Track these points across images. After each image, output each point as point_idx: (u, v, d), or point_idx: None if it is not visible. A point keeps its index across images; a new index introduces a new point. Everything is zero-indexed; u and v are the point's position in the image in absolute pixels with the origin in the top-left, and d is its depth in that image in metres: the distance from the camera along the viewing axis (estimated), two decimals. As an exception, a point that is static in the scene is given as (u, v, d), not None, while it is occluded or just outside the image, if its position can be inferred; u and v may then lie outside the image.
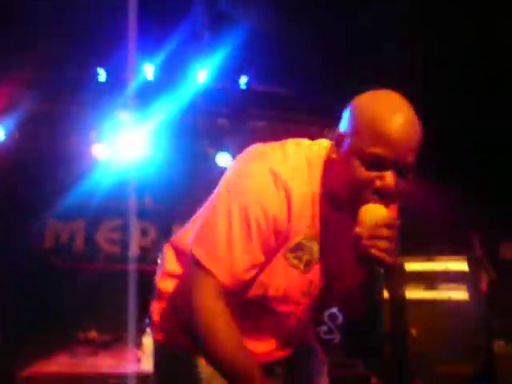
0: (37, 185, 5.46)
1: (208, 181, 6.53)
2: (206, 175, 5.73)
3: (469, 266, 4.05)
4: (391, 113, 1.13)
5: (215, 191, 1.34)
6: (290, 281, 1.32)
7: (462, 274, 4.09)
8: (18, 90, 5.06)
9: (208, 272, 1.19)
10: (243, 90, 5.57)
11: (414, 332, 5.21)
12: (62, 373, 3.68)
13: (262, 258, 1.22)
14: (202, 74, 5.61)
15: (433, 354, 5.15)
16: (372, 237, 1.12)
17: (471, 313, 4.49)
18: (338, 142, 1.25)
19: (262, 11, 4.64)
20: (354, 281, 1.42)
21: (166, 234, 6.09)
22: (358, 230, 1.14)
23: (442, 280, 4.07)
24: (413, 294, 4.02)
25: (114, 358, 4.21)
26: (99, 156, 5.59)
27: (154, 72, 5.54)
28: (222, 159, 6.04)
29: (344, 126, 1.26)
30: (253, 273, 1.23)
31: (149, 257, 5.78)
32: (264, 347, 1.41)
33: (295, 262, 1.29)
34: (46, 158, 5.46)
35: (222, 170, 5.60)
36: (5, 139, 5.18)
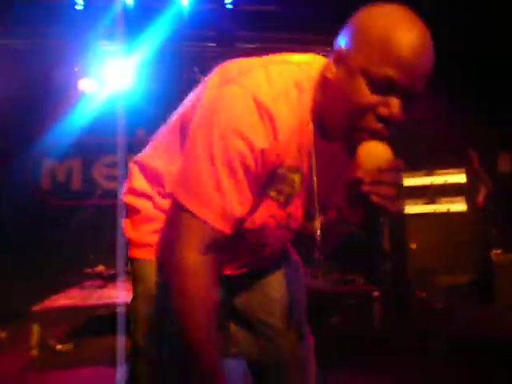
0: (26, 124, 5.34)
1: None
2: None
3: (467, 178, 4.04)
4: (407, 31, 0.97)
5: (192, 125, 1.17)
6: (267, 214, 1.21)
7: (461, 187, 4.10)
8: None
9: (199, 220, 1.06)
10: (230, 11, 5.27)
11: (413, 246, 5.34)
12: (73, 305, 3.79)
13: (251, 196, 1.10)
14: (185, -2, 5.29)
15: (433, 266, 5.31)
16: (375, 183, 1.01)
17: (469, 224, 4.57)
18: (338, 59, 1.07)
19: None
20: (339, 215, 1.26)
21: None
22: (358, 174, 1.02)
23: (440, 193, 4.08)
24: (412, 208, 4.05)
25: (121, 289, 4.33)
26: (86, 90, 5.43)
27: (134, -1, 5.20)
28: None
29: (346, 41, 1.06)
30: (244, 213, 1.11)
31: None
32: (234, 266, 1.36)
33: (274, 194, 1.18)
34: (32, 95, 5.29)
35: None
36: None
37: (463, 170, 4.11)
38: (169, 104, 5.74)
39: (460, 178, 4.12)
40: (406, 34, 0.97)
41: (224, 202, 1.06)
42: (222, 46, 5.61)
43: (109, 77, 5.43)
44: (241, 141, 1.04)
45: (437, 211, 4.13)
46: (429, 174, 4.14)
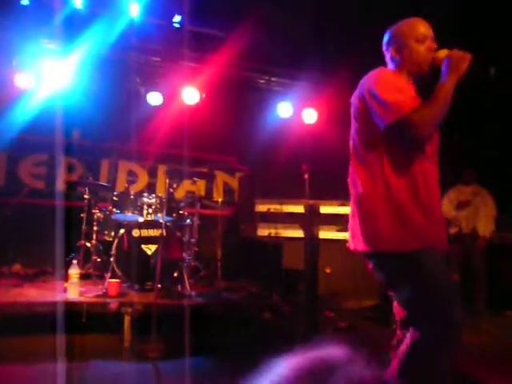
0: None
1: (138, 119, 6.49)
2: (137, 113, 5.70)
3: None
4: (416, 19, 2.01)
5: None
6: None
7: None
8: None
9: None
10: (177, 29, 5.46)
11: (328, 270, 5.73)
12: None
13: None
14: (135, 7, 5.42)
15: (343, 289, 5.74)
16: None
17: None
18: (396, 48, 2.00)
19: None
20: None
21: (93, 170, 6.06)
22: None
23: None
24: (327, 234, 4.42)
25: (39, 288, 4.30)
26: (23, 86, 5.34)
27: (82, 1, 5.26)
28: (154, 98, 5.99)
29: (392, 41, 2.03)
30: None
31: (75, 192, 5.74)
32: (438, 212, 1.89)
33: None
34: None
35: (153, 109, 5.61)
36: None
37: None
38: (107, 109, 5.83)
39: (370, 210, 4.59)
40: (418, 20, 2.01)
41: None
42: (166, 61, 5.78)
43: (47, 75, 5.37)
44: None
45: (347, 238, 4.52)
46: (343, 204, 4.57)
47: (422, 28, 1.97)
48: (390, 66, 2.04)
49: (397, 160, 1.84)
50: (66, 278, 4.06)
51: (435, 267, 1.78)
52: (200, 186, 6.26)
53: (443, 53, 1.92)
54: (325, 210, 4.40)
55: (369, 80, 1.91)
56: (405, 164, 1.83)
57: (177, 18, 5.53)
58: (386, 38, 2.06)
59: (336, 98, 6.00)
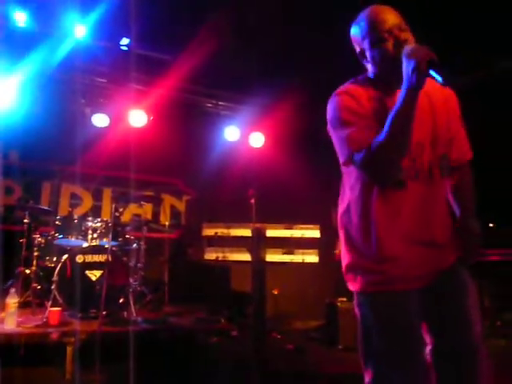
0: None
1: (83, 141, 6.35)
2: (82, 135, 5.59)
3: (321, 233, 4.64)
4: (377, 9, 1.64)
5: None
6: None
7: (315, 241, 4.69)
8: None
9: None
10: (124, 52, 5.45)
11: (276, 292, 5.81)
12: None
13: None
14: (81, 29, 5.36)
15: (289, 311, 5.83)
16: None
17: (322, 274, 5.16)
18: (360, 52, 1.69)
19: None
20: None
21: (33, 193, 5.84)
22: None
23: (297, 245, 4.62)
24: (273, 257, 4.49)
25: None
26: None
27: (26, 20, 5.14)
28: (99, 120, 5.90)
29: (354, 44, 1.71)
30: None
31: (13, 216, 5.50)
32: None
33: None
34: None
35: (98, 131, 5.52)
36: None
37: (318, 226, 4.70)
38: (50, 130, 5.67)
39: (315, 233, 4.70)
40: (378, 10, 1.64)
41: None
42: (113, 83, 5.73)
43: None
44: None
45: (293, 261, 4.64)
46: (289, 228, 4.67)
47: (382, 20, 1.59)
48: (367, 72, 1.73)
49: (357, 190, 1.65)
50: (3, 307, 3.86)
51: (383, 311, 1.59)
52: (147, 210, 6.19)
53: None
54: (271, 233, 4.49)
55: (328, 110, 1.70)
56: (365, 194, 1.62)
57: (125, 41, 5.52)
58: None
59: (283, 122, 6.17)
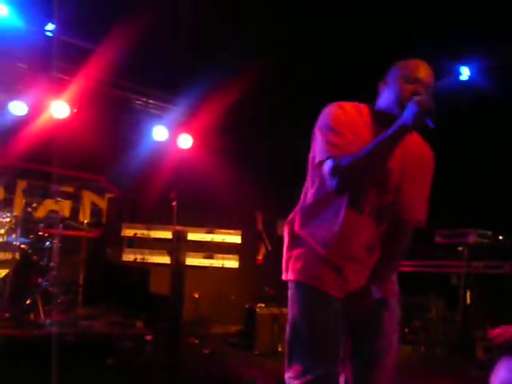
0: None
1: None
2: (-4, 123, 5.22)
3: (242, 239, 4.66)
4: (417, 61, 1.82)
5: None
6: None
7: (236, 246, 4.70)
8: None
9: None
10: (48, 38, 5.15)
11: (196, 295, 5.75)
12: None
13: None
14: (3, 7, 5.02)
15: (208, 315, 5.79)
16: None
17: (242, 280, 5.19)
18: (385, 81, 1.86)
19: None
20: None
21: None
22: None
23: (218, 250, 4.61)
24: (193, 260, 4.45)
25: None
26: None
27: None
28: (17, 108, 5.54)
29: (386, 74, 1.87)
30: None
31: None
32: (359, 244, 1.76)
33: None
34: None
35: (16, 120, 5.17)
36: None
37: (240, 232, 4.73)
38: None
39: (236, 238, 4.73)
40: (418, 63, 1.82)
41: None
42: (34, 69, 5.39)
43: None
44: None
45: (213, 265, 4.62)
46: (210, 232, 4.66)
47: (418, 70, 1.79)
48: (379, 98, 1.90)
49: (324, 196, 1.79)
50: None
51: (314, 308, 1.75)
52: (64, 206, 5.88)
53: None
54: (192, 236, 4.44)
55: (321, 113, 1.83)
56: (332, 204, 1.77)
57: (50, 27, 5.22)
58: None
59: (212, 125, 6.14)
